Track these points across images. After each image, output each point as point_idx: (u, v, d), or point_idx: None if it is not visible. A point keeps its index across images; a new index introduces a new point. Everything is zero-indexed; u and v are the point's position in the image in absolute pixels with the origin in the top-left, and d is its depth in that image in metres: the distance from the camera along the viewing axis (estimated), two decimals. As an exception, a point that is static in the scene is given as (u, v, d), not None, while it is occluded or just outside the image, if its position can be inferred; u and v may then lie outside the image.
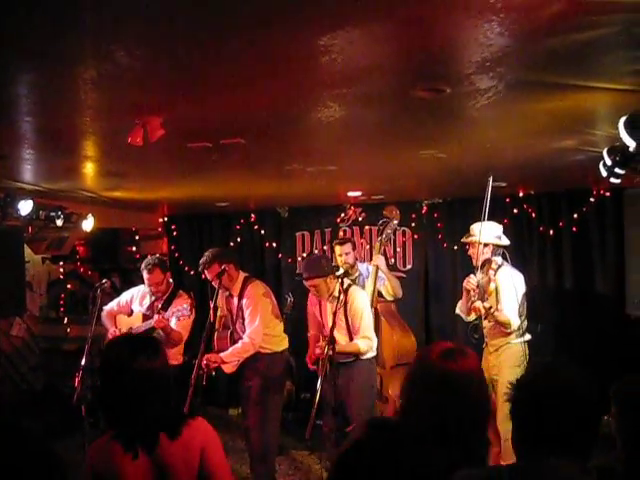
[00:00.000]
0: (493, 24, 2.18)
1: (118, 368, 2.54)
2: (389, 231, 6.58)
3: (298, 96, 3.18)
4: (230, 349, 5.58)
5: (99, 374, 2.65)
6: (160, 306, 5.97)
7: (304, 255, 8.31)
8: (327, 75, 2.80)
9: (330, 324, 5.14)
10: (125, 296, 6.27)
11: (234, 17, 2.11)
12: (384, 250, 7.06)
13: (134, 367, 2.52)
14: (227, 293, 5.79)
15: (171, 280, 6.26)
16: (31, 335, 8.06)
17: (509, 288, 5.41)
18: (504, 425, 4.73)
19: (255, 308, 5.57)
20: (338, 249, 6.33)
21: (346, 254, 6.25)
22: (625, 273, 6.82)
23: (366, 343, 5.31)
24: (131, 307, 6.18)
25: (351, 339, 5.46)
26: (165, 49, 2.44)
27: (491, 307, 5.34)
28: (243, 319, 5.64)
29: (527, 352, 5.43)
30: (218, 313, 5.88)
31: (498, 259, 5.52)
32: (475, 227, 5.63)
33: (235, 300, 5.74)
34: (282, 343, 5.87)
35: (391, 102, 3.34)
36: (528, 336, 5.57)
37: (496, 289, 5.45)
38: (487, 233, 5.51)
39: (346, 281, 5.51)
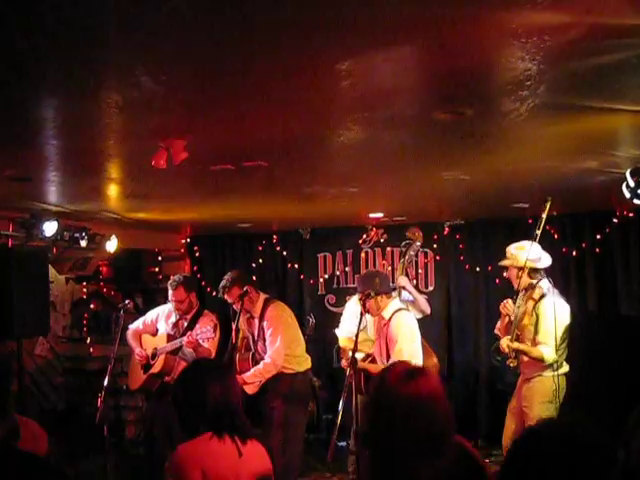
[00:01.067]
0: (514, 48, 2.20)
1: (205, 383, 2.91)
2: (412, 253, 6.53)
3: (320, 119, 3.20)
4: (252, 370, 5.58)
5: (186, 387, 2.97)
6: (186, 325, 5.98)
7: (326, 277, 8.36)
8: (348, 98, 2.83)
9: (354, 344, 5.01)
10: (151, 315, 6.27)
11: (257, 43, 2.14)
12: (406, 272, 7.03)
13: (218, 382, 2.94)
14: (248, 315, 5.79)
15: (197, 300, 6.25)
16: (54, 355, 8.10)
17: (549, 322, 4.98)
18: None
19: (276, 329, 5.57)
20: None
21: None
22: (650, 295, 6.74)
23: None
24: (156, 326, 6.17)
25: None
26: (189, 75, 2.48)
27: (517, 350, 4.97)
28: (264, 340, 5.64)
29: (564, 386, 5.11)
30: (240, 335, 5.88)
31: (544, 285, 5.12)
32: (509, 249, 5.23)
33: (256, 321, 5.74)
34: (305, 363, 5.86)
35: (412, 124, 3.35)
36: (566, 368, 5.21)
37: (537, 320, 5.04)
38: (522, 255, 5.08)
39: (395, 305, 5.24)
